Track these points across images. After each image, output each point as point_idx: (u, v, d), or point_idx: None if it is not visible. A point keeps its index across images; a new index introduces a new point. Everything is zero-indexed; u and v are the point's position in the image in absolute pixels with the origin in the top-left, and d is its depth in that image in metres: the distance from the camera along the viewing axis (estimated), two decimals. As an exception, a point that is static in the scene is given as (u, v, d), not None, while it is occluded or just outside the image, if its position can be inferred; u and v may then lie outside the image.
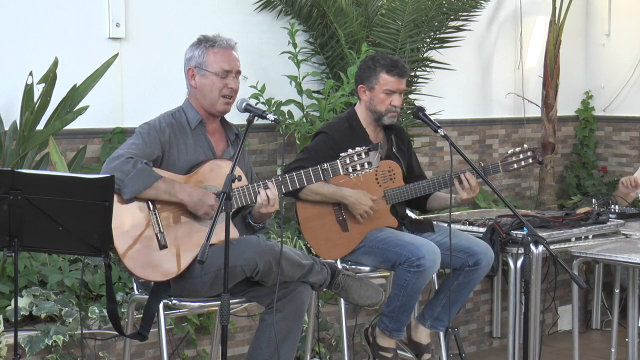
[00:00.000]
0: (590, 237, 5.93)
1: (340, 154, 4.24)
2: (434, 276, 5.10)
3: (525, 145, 5.07)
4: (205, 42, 4.24)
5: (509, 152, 5.02)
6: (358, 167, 4.20)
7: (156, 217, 4.03)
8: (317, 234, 4.90)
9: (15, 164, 4.98)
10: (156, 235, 4.02)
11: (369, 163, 4.21)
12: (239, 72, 4.27)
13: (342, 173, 4.22)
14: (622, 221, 6.27)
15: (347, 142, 4.83)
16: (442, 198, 5.10)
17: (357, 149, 4.21)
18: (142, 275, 4.00)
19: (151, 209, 4.03)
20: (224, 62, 4.21)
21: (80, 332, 4.64)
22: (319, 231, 4.90)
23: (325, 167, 4.23)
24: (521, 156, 4.97)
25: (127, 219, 3.99)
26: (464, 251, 4.86)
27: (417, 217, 5.28)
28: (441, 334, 5.04)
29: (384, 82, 4.89)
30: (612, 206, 6.70)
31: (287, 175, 4.21)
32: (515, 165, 4.98)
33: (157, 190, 4.00)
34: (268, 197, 4.11)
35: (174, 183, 4.05)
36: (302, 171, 4.24)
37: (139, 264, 3.98)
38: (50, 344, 4.57)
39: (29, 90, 5.06)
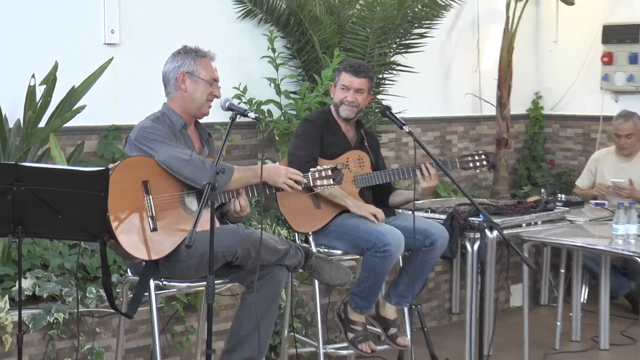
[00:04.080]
0: (539, 222, 5.97)
1: (310, 169, 4.32)
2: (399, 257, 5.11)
3: (480, 151, 5.11)
4: (195, 52, 4.24)
5: (468, 153, 5.04)
6: (325, 183, 4.31)
7: (150, 203, 4.01)
8: (293, 209, 4.89)
9: (19, 158, 4.95)
10: (149, 218, 4.00)
11: (334, 179, 4.31)
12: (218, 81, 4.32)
13: (311, 183, 4.29)
14: (567, 208, 6.32)
15: (326, 133, 4.99)
16: (403, 194, 5.14)
17: (325, 166, 4.33)
18: (133, 253, 3.95)
19: (145, 194, 4.00)
20: (213, 72, 4.24)
21: (78, 310, 4.63)
22: (295, 206, 4.89)
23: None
24: (476, 158, 5.01)
25: (125, 201, 3.95)
26: (422, 233, 4.86)
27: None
28: (405, 310, 5.06)
29: (342, 79, 4.98)
30: (559, 195, 6.76)
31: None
32: (471, 165, 5.02)
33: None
34: (241, 205, 4.17)
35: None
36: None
37: (132, 242, 3.95)
38: (51, 321, 4.55)
39: (31, 91, 5.03)
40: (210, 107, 4.27)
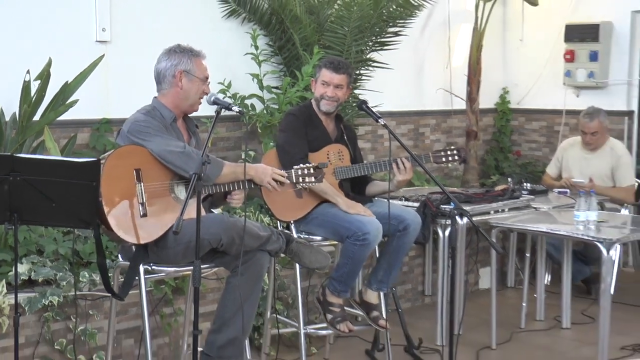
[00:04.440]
0: (506, 210, 6.00)
1: (294, 166, 4.31)
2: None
3: (452, 146, 5.11)
4: (190, 52, 4.21)
5: (441, 148, 5.04)
6: (307, 180, 4.30)
7: (141, 190, 3.98)
8: (276, 199, 4.87)
9: (15, 149, 4.93)
10: (139, 204, 3.98)
11: (316, 178, 4.31)
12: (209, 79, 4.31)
13: (294, 180, 4.29)
14: (532, 197, 6.36)
15: (309, 127, 4.97)
16: (379, 185, 5.13)
17: (308, 164, 4.32)
18: (123, 236, 3.93)
19: (137, 182, 3.98)
20: (206, 71, 4.23)
21: (72, 293, 4.62)
22: (278, 196, 4.86)
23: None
24: (449, 153, 5.00)
25: (118, 187, 3.93)
26: (396, 218, 4.86)
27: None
28: (382, 294, 5.07)
29: (322, 75, 4.96)
30: (525, 184, 6.79)
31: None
32: (444, 159, 4.99)
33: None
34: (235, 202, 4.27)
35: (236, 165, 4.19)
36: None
37: (122, 226, 3.92)
38: (47, 304, 4.54)
39: (26, 86, 5.00)
40: (200, 104, 4.24)
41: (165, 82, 4.20)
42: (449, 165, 5.09)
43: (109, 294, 4.16)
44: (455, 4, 7.89)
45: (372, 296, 5.01)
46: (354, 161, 5.08)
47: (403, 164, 4.86)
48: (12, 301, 4.04)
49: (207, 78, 4.23)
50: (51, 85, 5.03)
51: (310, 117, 5.00)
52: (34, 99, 4.99)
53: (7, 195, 3.54)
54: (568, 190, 6.65)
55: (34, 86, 5.02)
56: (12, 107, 5.17)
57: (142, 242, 3.96)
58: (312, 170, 4.30)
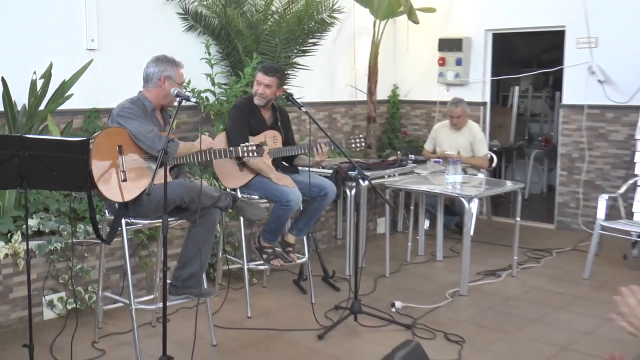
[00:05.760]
0: (397, 175, 6.09)
1: (241, 144, 4.33)
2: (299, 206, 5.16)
3: (361, 135, 5.18)
4: (173, 61, 4.15)
5: (352, 137, 5.10)
6: (252, 154, 4.34)
7: (122, 161, 3.94)
8: (223, 170, 4.90)
9: (24, 132, 4.82)
10: (121, 172, 3.94)
11: (257, 153, 4.35)
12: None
13: (240, 155, 4.32)
14: (415, 165, 6.46)
15: (250, 115, 4.94)
16: (303, 159, 5.14)
17: (252, 144, 4.34)
18: (108, 196, 3.88)
19: (119, 155, 3.93)
20: (182, 77, 4.18)
21: (71, 241, 4.58)
22: (225, 169, 4.90)
23: (231, 149, 4.31)
24: (357, 140, 5.04)
25: (105, 159, 3.88)
26: (318, 186, 4.92)
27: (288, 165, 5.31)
28: (305, 239, 5.13)
29: (257, 76, 4.95)
30: (410, 156, 6.91)
31: (222, 149, 4.28)
32: (353, 145, 5.05)
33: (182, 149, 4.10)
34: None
35: (187, 144, 4.12)
36: (221, 149, 4.28)
37: (108, 189, 3.88)
38: (52, 249, 4.51)
39: (33, 83, 4.89)
40: (175, 101, 4.18)
41: (151, 82, 4.13)
42: (357, 149, 5.16)
43: (99, 240, 4.12)
44: (358, 22, 7.92)
45: (290, 238, 5.08)
46: (286, 143, 5.08)
47: (321, 148, 4.90)
48: (25, 247, 3.97)
49: (182, 83, 4.19)
50: (52, 83, 4.93)
51: (251, 108, 4.98)
52: (39, 93, 4.88)
53: (18, 166, 3.48)
54: (441, 160, 6.79)
55: (39, 83, 4.91)
56: (22, 100, 5.04)
57: (125, 200, 3.94)
58: (254, 147, 4.34)
